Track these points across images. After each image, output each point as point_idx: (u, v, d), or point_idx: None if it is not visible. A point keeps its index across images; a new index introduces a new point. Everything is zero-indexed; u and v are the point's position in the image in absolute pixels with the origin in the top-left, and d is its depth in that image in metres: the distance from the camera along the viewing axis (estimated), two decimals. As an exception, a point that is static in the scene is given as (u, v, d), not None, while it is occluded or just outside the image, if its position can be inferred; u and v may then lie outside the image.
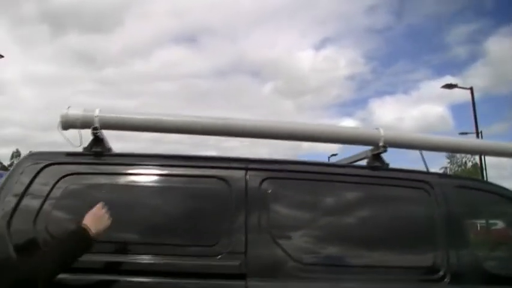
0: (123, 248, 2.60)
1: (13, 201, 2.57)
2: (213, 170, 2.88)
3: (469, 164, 38.71)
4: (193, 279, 2.57)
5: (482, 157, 21.62)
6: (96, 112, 2.83)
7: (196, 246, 2.66)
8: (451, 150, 3.85)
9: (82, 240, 2.24)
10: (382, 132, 3.20)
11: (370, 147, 3.25)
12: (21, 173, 2.66)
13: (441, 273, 2.80)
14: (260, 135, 3.15)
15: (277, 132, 3.16)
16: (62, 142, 2.84)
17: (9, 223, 2.52)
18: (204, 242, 2.68)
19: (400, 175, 3.16)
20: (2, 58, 19.38)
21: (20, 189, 2.61)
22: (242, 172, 2.87)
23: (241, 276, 2.61)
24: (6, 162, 53.96)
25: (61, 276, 2.17)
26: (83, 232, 2.25)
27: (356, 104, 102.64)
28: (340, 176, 3.03)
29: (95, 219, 2.32)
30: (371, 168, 3.18)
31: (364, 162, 3.29)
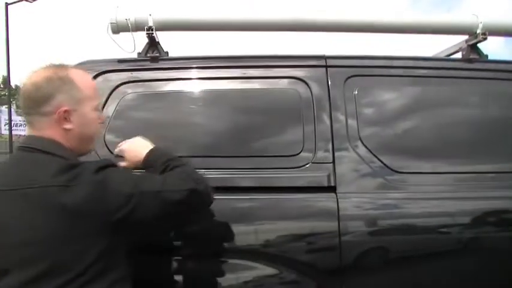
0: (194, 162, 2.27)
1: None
2: (287, 69, 2.47)
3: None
4: (274, 193, 2.25)
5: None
6: (150, 11, 2.44)
7: (276, 156, 2.32)
8: None
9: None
10: (480, 18, 2.69)
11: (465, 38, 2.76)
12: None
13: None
14: (348, 29, 2.69)
15: (365, 25, 2.69)
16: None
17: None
18: (284, 151, 2.33)
19: (503, 67, 2.67)
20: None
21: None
22: (322, 70, 2.45)
23: (331, 189, 2.27)
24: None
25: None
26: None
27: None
28: (439, 70, 2.56)
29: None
30: (468, 61, 2.69)
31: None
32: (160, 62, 2.44)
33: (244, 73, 2.44)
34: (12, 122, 22.03)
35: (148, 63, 2.44)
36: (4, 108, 25.37)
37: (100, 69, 2.36)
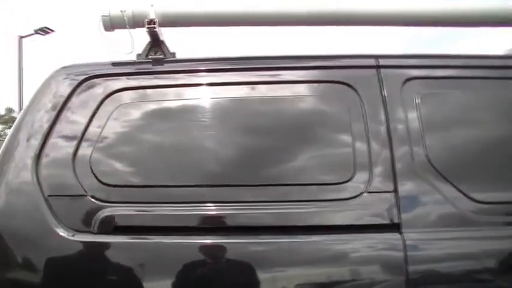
0: (206, 194, 1.71)
1: (40, 132, 1.72)
2: (327, 71, 1.91)
3: None
4: (313, 234, 1.66)
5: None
6: (152, 2, 1.91)
7: (318, 185, 1.73)
8: None
9: None
10: None
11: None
12: (51, 93, 1.80)
13: None
14: (392, 21, 2.13)
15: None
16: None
17: (37, 164, 1.68)
18: (328, 178, 1.74)
19: None
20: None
21: (49, 115, 1.75)
22: (372, 72, 1.88)
23: (394, 228, 1.67)
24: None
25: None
26: None
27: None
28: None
29: None
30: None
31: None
32: (166, 65, 1.89)
33: (274, 77, 1.88)
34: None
35: (150, 66, 1.89)
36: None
37: (87, 73, 1.83)
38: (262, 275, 1.60)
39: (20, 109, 20.07)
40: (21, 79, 19.30)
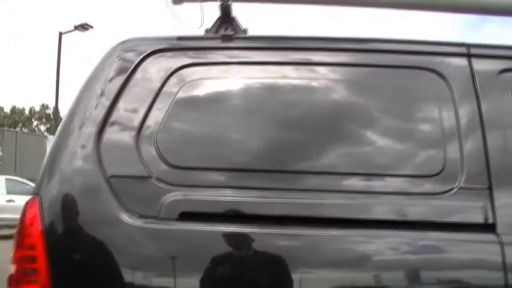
0: (279, 180, 1.55)
1: (102, 109, 1.60)
2: (414, 57, 1.74)
3: None
4: (397, 229, 1.49)
5: None
6: (221, -25, 1.77)
7: (402, 177, 1.56)
8: None
9: None
10: None
11: None
12: (111, 69, 1.68)
13: None
14: None
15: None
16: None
17: (97, 144, 1.56)
18: (415, 171, 1.58)
19: None
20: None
21: (109, 93, 1.63)
22: (463, 60, 1.71)
23: (488, 227, 1.49)
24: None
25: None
26: None
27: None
28: None
29: None
30: None
31: None
32: (237, 42, 1.75)
33: (352, 59, 1.72)
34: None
35: (220, 42, 1.75)
36: (51, 137, 25.65)
37: (151, 47, 1.70)
38: (350, 267, 1.47)
39: (57, 105, 20.50)
40: (58, 75, 19.65)
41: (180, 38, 1.75)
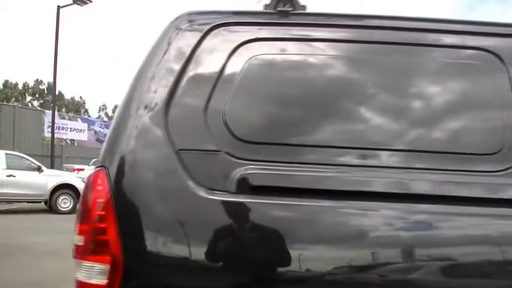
0: (350, 156, 1.56)
1: (168, 84, 1.60)
2: (472, 37, 1.73)
3: None
4: (455, 204, 1.51)
5: None
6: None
7: (460, 154, 1.58)
8: None
9: None
10: None
11: None
12: (174, 43, 1.67)
13: None
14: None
15: None
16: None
17: (165, 117, 1.56)
18: (473, 149, 1.59)
19: None
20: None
21: (174, 66, 1.63)
22: None
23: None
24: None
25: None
26: None
27: None
28: None
29: None
30: None
31: None
32: (295, 18, 1.74)
33: (414, 37, 1.72)
34: (55, 125, 21.93)
35: (281, 17, 1.73)
36: (49, 112, 25.50)
37: (215, 21, 1.69)
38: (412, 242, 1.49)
39: (55, 80, 20.24)
40: (56, 50, 19.42)
41: (239, 13, 1.74)
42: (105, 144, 1.63)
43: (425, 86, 1.68)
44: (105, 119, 49.11)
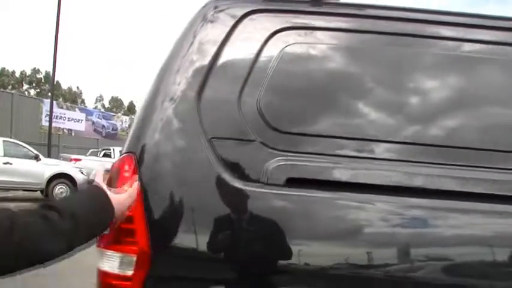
0: (390, 151, 1.51)
1: (201, 71, 1.54)
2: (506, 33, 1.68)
3: None
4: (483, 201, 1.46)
5: None
6: None
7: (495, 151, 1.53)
8: None
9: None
10: None
11: None
12: (205, 30, 1.61)
13: None
14: None
15: None
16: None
17: (198, 104, 1.51)
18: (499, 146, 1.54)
19: None
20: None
21: (207, 52, 1.57)
22: None
23: None
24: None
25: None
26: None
27: None
28: None
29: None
30: None
31: None
32: (328, 8, 1.68)
33: (460, 34, 1.65)
34: (53, 114, 21.79)
35: (314, 7, 1.67)
36: (47, 101, 25.36)
37: (248, 7, 1.63)
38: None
39: (54, 68, 20.09)
40: (57, 38, 19.29)
41: (270, 0, 1.68)
42: (131, 131, 1.57)
43: (456, 80, 1.64)
44: (102, 110, 48.90)
